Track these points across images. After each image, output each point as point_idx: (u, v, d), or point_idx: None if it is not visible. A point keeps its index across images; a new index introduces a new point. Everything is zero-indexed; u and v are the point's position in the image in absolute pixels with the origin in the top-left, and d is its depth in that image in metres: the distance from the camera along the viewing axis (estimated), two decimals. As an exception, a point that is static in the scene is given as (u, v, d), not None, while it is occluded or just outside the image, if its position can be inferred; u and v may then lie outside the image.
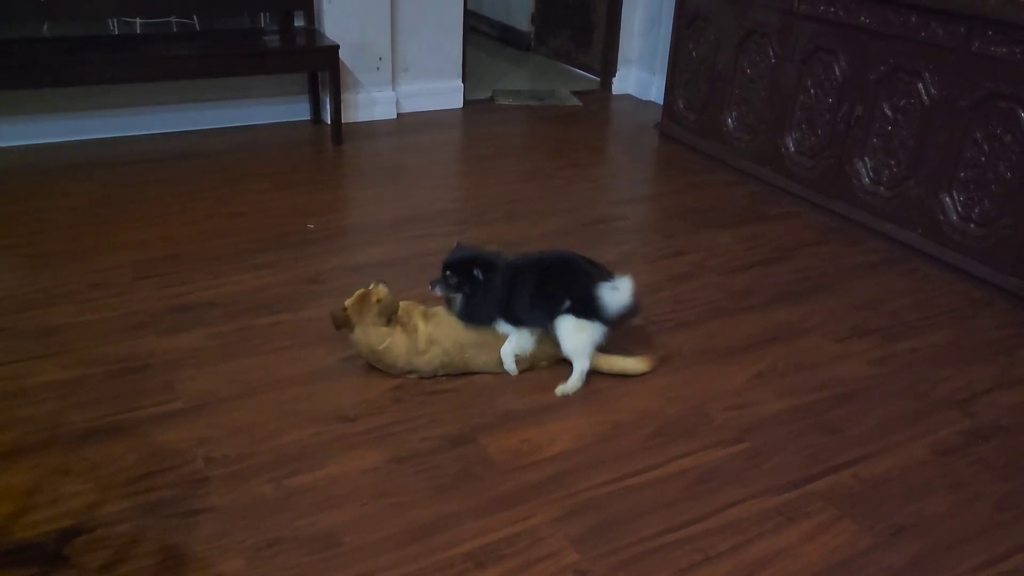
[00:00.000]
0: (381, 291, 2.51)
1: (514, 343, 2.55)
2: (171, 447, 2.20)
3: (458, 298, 2.55)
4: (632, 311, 2.55)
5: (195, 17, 4.80)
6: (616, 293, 2.48)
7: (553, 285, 2.52)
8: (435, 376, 2.56)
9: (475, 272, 2.48)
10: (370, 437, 2.29)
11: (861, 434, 2.42)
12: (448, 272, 2.52)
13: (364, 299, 2.49)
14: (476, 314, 2.54)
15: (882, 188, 3.63)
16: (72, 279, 3.02)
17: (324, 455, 2.21)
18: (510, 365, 2.57)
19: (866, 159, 3.69)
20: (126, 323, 2.76)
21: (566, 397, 2.50)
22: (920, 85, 3.38)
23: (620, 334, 2.79)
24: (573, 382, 2.52)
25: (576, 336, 2.49)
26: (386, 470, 2.17)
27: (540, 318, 2.53)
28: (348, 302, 2.51)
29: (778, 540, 2.01)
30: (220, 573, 1.83)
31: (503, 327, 2.55)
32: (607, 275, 2.52)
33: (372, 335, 2.48)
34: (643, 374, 2.62)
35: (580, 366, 2.51)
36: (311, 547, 1.91)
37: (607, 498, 2.12)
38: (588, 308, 2.48)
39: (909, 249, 3.54)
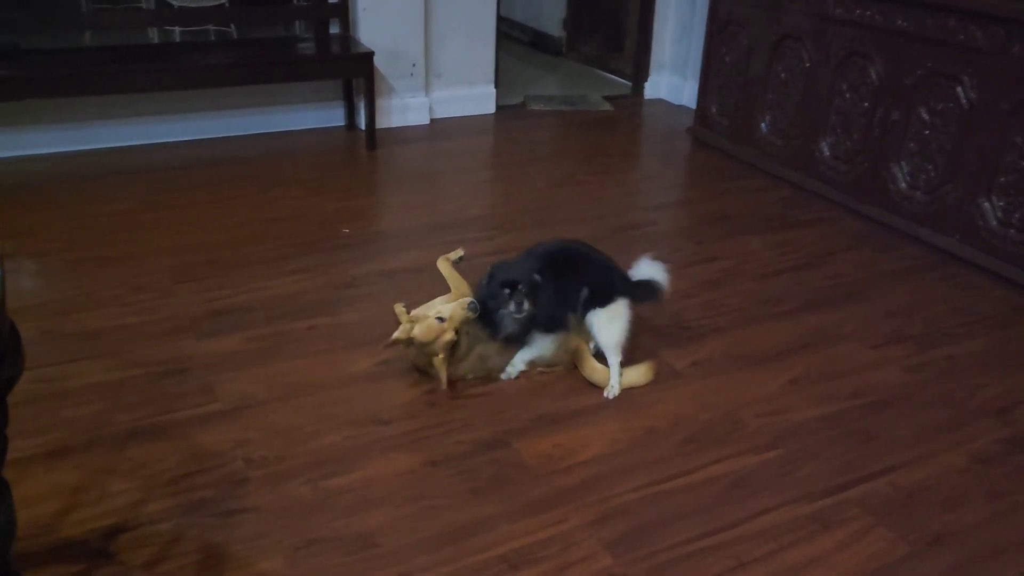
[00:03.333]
0: (457, 314, 2.42)
1: (534, 349, 2.57)
2: (211, 448, 2.24)
3: (512, 315, 2.43)
4: (657, 289, 2.60)
5: (232, 25, 4.88)
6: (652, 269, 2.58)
7: (567, 280, 2.53)
8: (465, 379, 2.58)
9: (523, 286, 2.40)
10: (405, 440, 2.32)
11: (897, 442, 2.40)
12: (520, 287, 2.40)
13: (438, 337, 2.41)
14: (544, 322, 2.50)
15: (919, 193, 3.60)
16: (113, 283, 3.09)
17: (360, 457, 2.24)
18: (514, 370, 2.59)
19: (902, 164, 3.65)
20: (166, 327, 2.82)
21: (617, 392, 2.54)
22: (959, 89, 3.35)
23: (656, 337, 2.80)
24: (615, 377, 2.54)
25: (612, 327, 2.52)
26: (421, 473, 2.20)
27: (566, 317, 2.55)
28: (419, 336, 2.41)
29: (812, 547, 2.01)
30: (259, 572, 1.87)
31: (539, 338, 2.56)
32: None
33: (437, 364, 2.46)
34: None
35: (614, 360, 2.55)
36: (348, 548, 1.94)
37: (640, 503, 2.12)
38: (607, 291, 2.52)
39: (946, 255, 3.50)
